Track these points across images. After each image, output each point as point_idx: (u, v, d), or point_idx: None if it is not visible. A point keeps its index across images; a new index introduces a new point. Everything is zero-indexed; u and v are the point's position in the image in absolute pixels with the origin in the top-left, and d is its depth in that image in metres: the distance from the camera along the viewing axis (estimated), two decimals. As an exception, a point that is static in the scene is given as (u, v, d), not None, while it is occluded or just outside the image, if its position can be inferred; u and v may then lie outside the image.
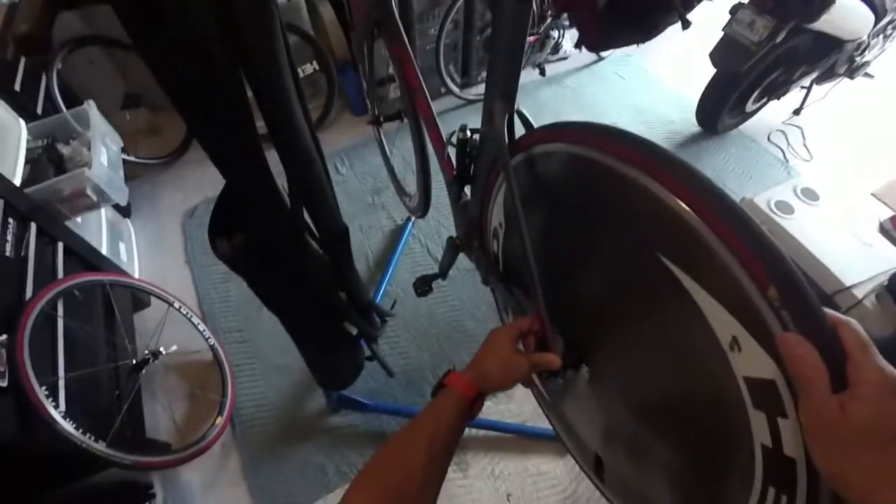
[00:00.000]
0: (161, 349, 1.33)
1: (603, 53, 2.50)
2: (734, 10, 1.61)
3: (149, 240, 1.88)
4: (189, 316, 1.50)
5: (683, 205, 0.39)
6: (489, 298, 1.48)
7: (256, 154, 0.55)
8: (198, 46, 0.45)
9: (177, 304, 1.49)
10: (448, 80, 2.12)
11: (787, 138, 2.13)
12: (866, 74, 1.89)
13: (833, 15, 1.48)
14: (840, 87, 2.03)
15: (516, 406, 1.44)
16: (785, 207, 1.47)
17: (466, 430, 1.39)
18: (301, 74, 1.95)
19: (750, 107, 1.99)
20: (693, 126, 2.15)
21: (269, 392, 1.50)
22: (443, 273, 1.10)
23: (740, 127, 2.16)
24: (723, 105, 1.89)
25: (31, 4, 0.37)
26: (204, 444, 1.30)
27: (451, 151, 0.90)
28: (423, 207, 1.29)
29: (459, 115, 2.26)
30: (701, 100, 1.98)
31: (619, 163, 0.45)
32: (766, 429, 0.38)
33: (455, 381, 0.60)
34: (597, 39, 0.50)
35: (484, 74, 2.32)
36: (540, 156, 0.59)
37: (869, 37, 1.73)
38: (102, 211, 1.67)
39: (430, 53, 2.03)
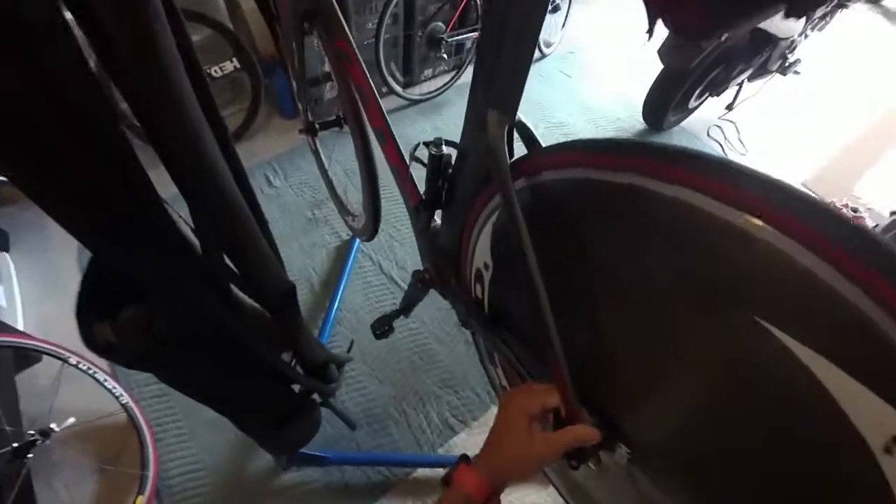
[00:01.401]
0: (52, 425, 1.06)
1: (546, 50, 2.44)
2: (681, 7, 1.59)
3: (35, 279, 1.53)
4: (92, 372, 1.22)
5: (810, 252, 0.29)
6: (455, 317, 1.35)
7: (141, 194, 0.37)
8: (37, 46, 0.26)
9: (73, 360, 1.20)
10: (390, 80, 1.95)
11: (723, 133, 2.19)
12: (795, 72, 1.97)
13: (774, 13, 1.49)
14: (769, 84, 2.12)
15: (492, 436, 1.33)
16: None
17: (440, 470, 1.26)
18: (218, 74, 1.69)
19: (692, 103, 2.02)
20: (639, 123, 2.15)
21: (202, 454, 1.26)
22: (406, 309, 0.95)
23: (682, 123, 2.19)
24: (669, 102, 1.89)
25: None
26: (123, 534, 1.05)
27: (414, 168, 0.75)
28: (370, 230, 1.13)
29: (404, 117, 2.09)
30: (648, 97, 1.97)
31: (712, 202, 0.33)
32: None
33: (465, 478, 0.48)
34: (701, 23, 0.38)
35: (428, 72, 2.18)
36: (556, 184, 0.46)
37: (799, 35, 1.79)
38: (-34, 248, 1.33)
39: (368, 49, 1.84)
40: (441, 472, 1.23)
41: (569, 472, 0.67)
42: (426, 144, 0.64)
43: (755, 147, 2.14)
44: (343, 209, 1.42)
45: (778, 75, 2.00)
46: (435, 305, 1.52)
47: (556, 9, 2.50)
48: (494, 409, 1.36)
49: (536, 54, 2.44)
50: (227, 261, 0.44)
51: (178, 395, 1.30)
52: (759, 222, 0.31)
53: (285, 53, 1.26)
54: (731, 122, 2.23)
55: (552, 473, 0.80)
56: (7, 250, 1.55)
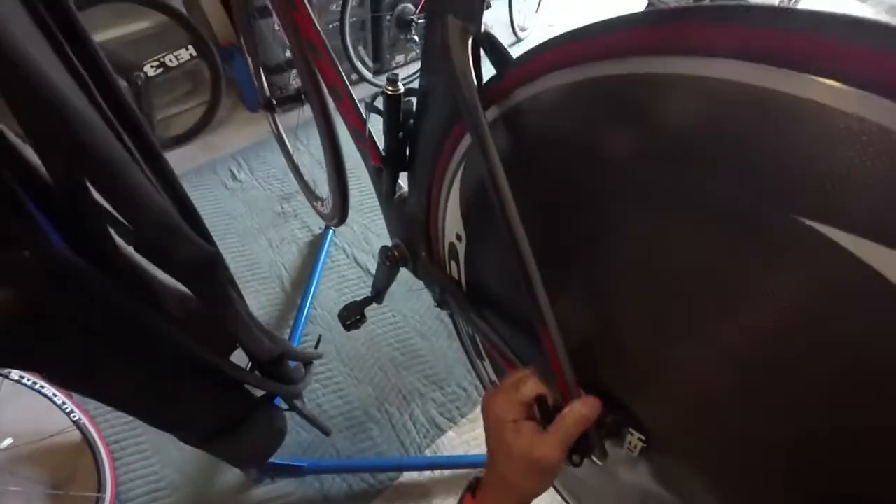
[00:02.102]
0: (-15, 449, 0.93)
1: (522, 34, 2.37)
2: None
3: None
4: (38, 387, 1.10)
5: None
6: (437, 310, 1.23)
7: None
8: None
9: (15, 375, 1.08)
10: (359, 65, 1.85)
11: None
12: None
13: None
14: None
15: (483, 431, 1.24)
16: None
17: (429, 473, 1.16)
18: (174, 63, 1.59)
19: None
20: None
21: (166, 471, 1.14)
22: (377, 295, 0.85)
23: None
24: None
25: None
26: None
27: (374, 128, 0.65)
28: (339, 213, 1.03)
29: (376, 105, 1.99)
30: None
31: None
32: None
33: None
34: None
35: (399, 59, 2.09)
36: (537, 103, 0.37)
37: None
38: None
39: (333, 33, 1.74)
40: (429, 475, 1.15)
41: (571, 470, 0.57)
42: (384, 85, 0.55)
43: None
44: (310, 194, 1.32)
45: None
46: (414, 297, 1.43)
47: (529, -8, 2.44)
48: (484, 404, 1.28)
49: (510, 38, 2.37)
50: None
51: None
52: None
53: (240, 30, 1.16)
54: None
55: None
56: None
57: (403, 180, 0.68)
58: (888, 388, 0.24)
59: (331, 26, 1.74)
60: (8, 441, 0.98)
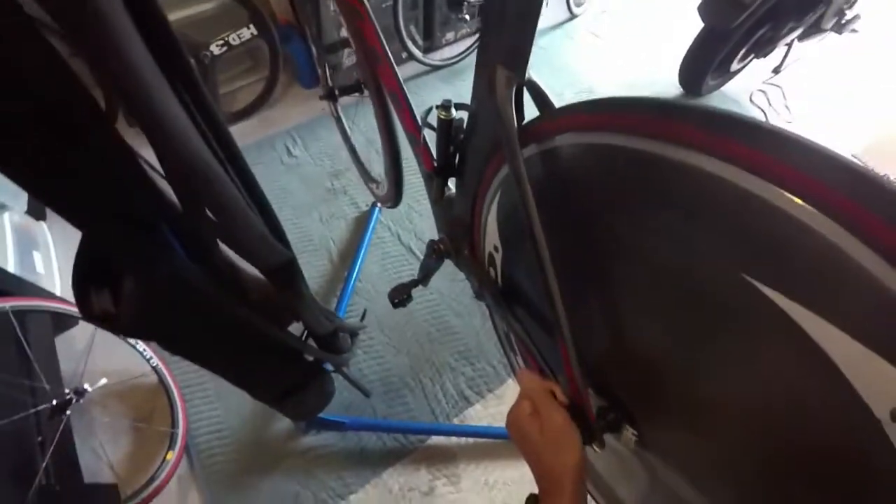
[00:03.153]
0: (86, 385, 1.11)
1: (577, 10, 2.30)
2: (725, -42, 1.45)
3: (71, 247, 1.58)
4: (122, 336, 1.27)
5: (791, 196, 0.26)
6: (470, 289, 1.33)
7: (117, 168, 0.35)
8: None
9: (107, 324, 1.25)
10: (409, 44, 1.88)
11: (767, 98, 2.04)
12: (852, 30, 1.79)
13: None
14: (820, 44, 1.95)
15: (508, 408, 1.33)
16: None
17: (455, 439, 1.26)
18: (236, 42, 1.67)
19: (735, 66, 1.87)
20: (675, 88, 2.02)
21: (228, 416, 1.31)
22: (423, 279, 0.93)
23: (723, 88, 2.05)
24: (709, 64, 1.76)
25: None
26: (155, 486, 1.12)
27: (429, 135, 0.71)
28: (394, 197, 1.11)
29: (424, 84, 2.03)
30: (685, 59, 1.84)
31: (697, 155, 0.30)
32: None
33: None
34: None
35: (450, 36, 2.09)
36: (572, 149, 0.42)
37: (860, -13, 1.62)
38: (6, 217, 1.39)
39: (386, 12, 1.77)
40: (455, 441, 1.25)
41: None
42: (437, 108, 0.61)
43: (802, 113, 1.99)
44: (366, 176, 1.40)
45: (832, 34, 1.82)
46: (451, 278, 1.51)
47: (587, -36, 2.34)
48: (510, 382, 1.36)
49: (565, 14, 2.31)
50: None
51: (203, 359, 1.37)
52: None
53: (302, 18, 1.22)
54: (777, 86, 2.07)
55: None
56: (44, 219, 1.61)
57: (452, 182, 0.75)
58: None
59: (384, 6, 1.77)
60: (103, 381, 1.16)
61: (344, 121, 1.39)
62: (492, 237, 0.62)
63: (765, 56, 1.86)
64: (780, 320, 0.28)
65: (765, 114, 1.99)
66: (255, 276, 0.57)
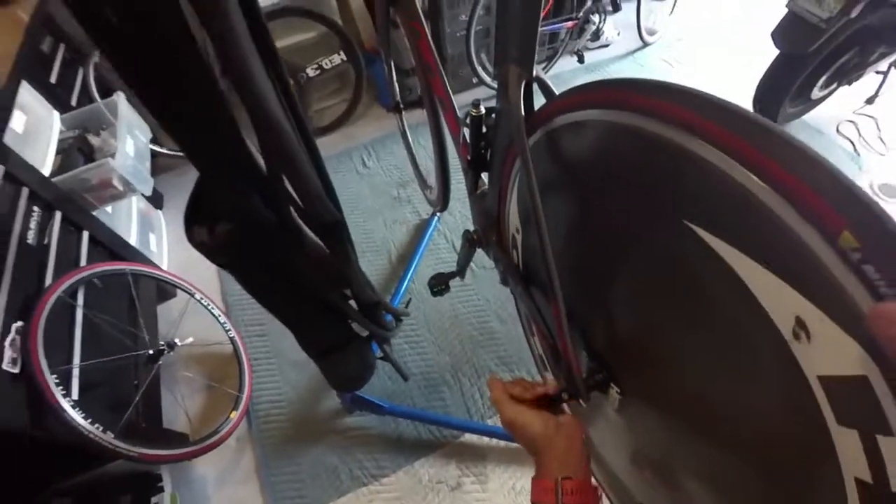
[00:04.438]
0: (177, 340, 1.32)
1: (650, 39, 2.32)
2: (801, -18, 1.43)
3: (179, 232, 1.89)
4: (210, 307, 1.48)
5: (711, 146, 0.31)
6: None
7: (228, 133, 0.49)
8: (145, 11, 0.39)
9: (198, 296, 1.48)
10: (479, 69, 2.03)
11: (858, 130, 1.90)
12: (960, 55, 1.64)
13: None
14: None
15: (541, 416, 1.34)
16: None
17: (486, 440, 1.30)
18: (328, 66, 1.92)
19: (816, 94, 1.78)
20: (749, 116, 1.95)
21: (286, 389, 1.46)
22: (460, 271, 1.02)
23: (804, 117, 1.94)
24: (785, 91, 1.70)
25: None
26: (217, 439, 1.28)
27: (467, 133, 0.81)
28: (442, 200, 1.21)
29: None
30: (760, 85, 1.78)
31: (645, 120, 0.35)
32: (861, 455, 0.27)
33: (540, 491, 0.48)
34: None
35: (518, 64, 2.21)
36: (562, 129, 0.49)
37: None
38: (133, 201, 1.70)
39: (460, 41, 1.94)
40: (487, 441, 1.29)
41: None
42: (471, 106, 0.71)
43: (900, 146, 1.82)
44: (422, 182, 1.54)
45: (936, 60, 1.68)
46: (498, 286, 1.57)
47: (664, -5, 2.37)
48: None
49: (637, 43, 2.34)
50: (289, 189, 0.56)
51: (273, 336, 1.55)
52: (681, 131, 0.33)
53: (380, 43, 1.40)
54: (870, 116, 1.92)
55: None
56: (161, 208, 1.94)
57: (485, 177, 0.84)
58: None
59: (458, 34, 1.94)
60: (190, 339, 1.37)
61: (408, 133, 1.55)
62: (514, 220, 0.69)
63: (851, 84, 1.75)
64: (711, 257, 0.33)
65: (854, 145, 1.85)
66: (315, 241, 0.70)
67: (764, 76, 1.75)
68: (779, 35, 1.52)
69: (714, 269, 0.33)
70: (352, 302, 0.86)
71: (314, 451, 1.34)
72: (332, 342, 0.83)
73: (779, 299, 0.29)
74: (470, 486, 1.27)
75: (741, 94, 2.00)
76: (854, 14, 1.35)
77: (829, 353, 0.27)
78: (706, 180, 0.31)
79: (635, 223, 0.42)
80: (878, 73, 1.78)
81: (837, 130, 1.91)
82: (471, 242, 0.89)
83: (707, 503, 0.48)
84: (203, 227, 0.56)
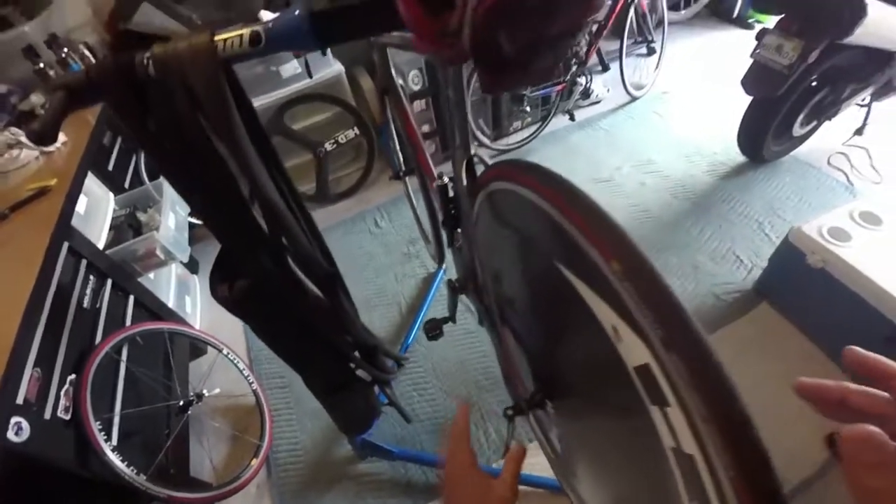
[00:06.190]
0: (204, 391, 1.45)
1: (637, 93, 2.49)
2: (760, 36, 1.57)
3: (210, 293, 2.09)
4: (236, 362, 1.62)
5: (548, 204, 0.42)
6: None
7: (239, 209, 0.64)
8: (175, 125, 0.55)
9: (225, 351, 1.62)
10: (478, 133, 2.22)
11: (849, 161, 1.94)
12: (934, 86, 1.71)
13: (870, 27, 1.39)
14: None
15: (542, 459, 1.37)
16: (840, 234, 1.32)
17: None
18: (344, 140, 2.15)
19: (798, 131, 1.86)
20: (738, 156, 2.04)
21: (303, 437, 1.55)
22: (451, 317, 1.12)
23: (795, 153, 2.02)
24: (764, 132, 1.79)
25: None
26: (238, 484, 1.37)
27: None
28: (437, 256, 1.35)
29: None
30: (741, 128, 1.89)
31: (522, 189, 0.47)
32: (665, 426, 0.34)
33: None
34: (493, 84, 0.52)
35: (516, 125, 2.41)
36: (493, 192, 0.62)
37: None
38: (173, 267, 1.91)
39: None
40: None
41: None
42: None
43: (892, 174, 1.85)
44: (425, 237, 1.69)
45: (913, 92, 1.75)
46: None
47: (650, 52, 2.56)
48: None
49: (625, 98, 2.51)
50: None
51: (294, 388, 1.66)
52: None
53: (383, 118, 1.62)
54: (861, 147, 1.97)
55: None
56: (196, 273, 2.15)
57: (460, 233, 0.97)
58: None
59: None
60: (217, 390, 1.50)
61: (412, 196, 1.72)
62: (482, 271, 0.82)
63: (831, 119, 1.83)
64: (571, 286, 0.43)
65: (847, 176, 1.89)
66: (315, 292, 0.83)
67: (742, 120, 1.86)
68: (748, 82, 1.64)
69: (574, 297, 0.43)
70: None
71: (328, 497, 1.40)
72: (335, 382, 0.94)
73: (603, 312, 0.39)
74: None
75: (726, 138, 2.11)
76: (811, 60, 1.47)
77: (631, 348, 0.36)
78: (552, 228, 0.43)
79: (536, 267, 0.53)
80: (860, 106, 1.85)
81: (829, 163, 1.97)
82: (453, 290, 1.01)
83: (613, 481, 0.56)
84: (224, 284, 0.70)
